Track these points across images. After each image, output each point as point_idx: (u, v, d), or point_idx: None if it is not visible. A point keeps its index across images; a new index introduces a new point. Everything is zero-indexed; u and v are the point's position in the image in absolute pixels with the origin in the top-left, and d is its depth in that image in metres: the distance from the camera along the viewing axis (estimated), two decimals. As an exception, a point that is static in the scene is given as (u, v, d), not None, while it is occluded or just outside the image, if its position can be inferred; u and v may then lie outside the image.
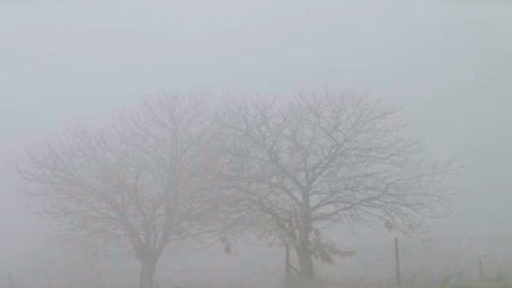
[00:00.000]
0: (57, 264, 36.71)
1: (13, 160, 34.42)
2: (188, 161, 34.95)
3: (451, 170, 31.35)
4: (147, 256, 35.26)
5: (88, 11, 36.54)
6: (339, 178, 33.01)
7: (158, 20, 36.36)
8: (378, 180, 32.36)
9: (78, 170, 35.47)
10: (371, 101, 32.22)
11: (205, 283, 35.28)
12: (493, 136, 34.63)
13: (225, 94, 32.90)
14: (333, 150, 32.87)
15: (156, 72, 35.83)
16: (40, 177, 35.24)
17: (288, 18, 36.67)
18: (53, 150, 35.17)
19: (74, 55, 36.50)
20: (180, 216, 34.95)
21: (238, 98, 32.67)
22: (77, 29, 37.02)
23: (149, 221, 35.20)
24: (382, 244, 32.89)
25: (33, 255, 36.49)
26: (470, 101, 35.45)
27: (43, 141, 34.73)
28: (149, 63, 36.01)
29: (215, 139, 33.98)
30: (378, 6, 37.11)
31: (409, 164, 31.87)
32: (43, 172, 35.25)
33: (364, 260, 33.12)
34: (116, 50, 36.35)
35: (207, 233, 34.79)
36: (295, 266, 33.16)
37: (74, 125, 34.76)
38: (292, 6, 36.17)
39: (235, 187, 33.37)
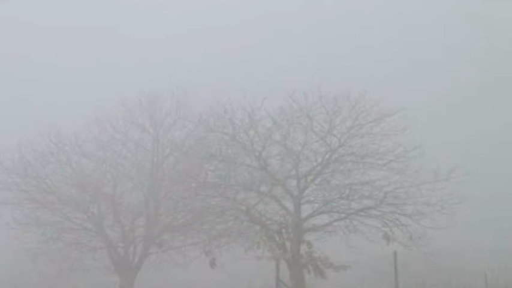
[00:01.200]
0: (29, 279, 36.76)
1: (-20, 167, 33.97)
2: (170, 168, 34.58)
3: (455, 178, 30.67)
4: (125, 270, 34.81)
5: (61, 6, 36.20)
6: (333, 186, 32.32)
7: (136, 15, 36.21)
8: (375, 189, 31.68)
9: (52, 178, 35.11)
10: (368, 103, 31.62)
11: (188, 299, 34.66)
12: (500, 141, 34.55)
13: (210, 95, 32.57)
14: (327, 156, 32.21)
15: (135, 71, 35.88)
16: (10, 185, 34.82)
17: (278, 13, 36.45)
18: (24, 156, 34.79)
19: (46, 53, 36.20)
20: (162, 227, 34.62)
21: (224, 99, 32.08)
22: (49, 26, 36.62)
23: (128, 233, 34.91)
24: (379, 258, 32.71)
25: (3, 270, 36.37)
26: (475, 103, 35.40)
27: (13, 145, 34.40)
28: (127, 62, 36.05)
29: (199, 144, 33.40)
30: (375, 1, 36.95)
31: (409, 171, 31.16)
32: (13, 180, 34.87)
33: (361, 274, 33.03)
34: (91, 48, 36.39)
35: (191, 245, 34.50)
36: (285, 281, 32.54)
37: (47, 128, 34.43)
38: (282, 1, 35.95)
39: (221, 196, 32.67)
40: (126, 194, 34.98)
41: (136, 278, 34.93)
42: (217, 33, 36.26)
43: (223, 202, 32.71)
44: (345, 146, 31.99)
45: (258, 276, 33.65)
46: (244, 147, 32.29)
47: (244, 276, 33.82)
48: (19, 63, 36.51)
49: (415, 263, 32.96)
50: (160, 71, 35.57)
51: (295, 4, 36.66)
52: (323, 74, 33.52)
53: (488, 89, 36.37)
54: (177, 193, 33.87)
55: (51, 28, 36.85)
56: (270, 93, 31.94)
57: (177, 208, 34.10)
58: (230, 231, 33.21)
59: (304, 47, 36.43)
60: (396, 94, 32.93)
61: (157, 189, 34.54)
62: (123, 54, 36.08)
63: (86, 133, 34.71)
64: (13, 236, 34.23)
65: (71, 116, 34.43)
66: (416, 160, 30.83)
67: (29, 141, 34.54)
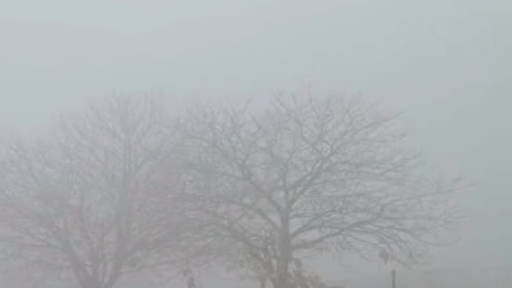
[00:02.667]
0: (-13, 302, 36.36)
1: None
2: (144, 178, 34.49)
3: (459, 189, 30.55)
4: (94, 291, 34.89)
5: (22, 1, 36.22)
6: (324, 198, 32.17)
7: (105, 9, 36.15)
8: (371, 201, 31.53)
9: (12, 188, 35.08)
10: (363, 106, 31.49)
11: (164, 323, 34.93)
12: (509, 148, 34.38)
13: (188, 97, 32.42)
14: (318, 165, 32.04)
15: (105, 71, 35.77)
16: (-34, 196, 34.90)
17: (263, 6, 36.48)
18: (-19, 165, 34.80)
19: (6, 51, 36.17)
20: (134, 243, 34.55)
21: (203, 102, 31.96)
22: (10, 22, 36.63)
23: (97, 250, 34.79)
24: (376, 277, 32.68)
25: (-41, 291, 36.03)
26: (482, 106, 35.58)
27: (-31, 153, 34.37)
28: (96, 61, 35.86)
29: (176, 152, 33.22)
30: (372, -7, 37.26)
31: (409, 181, 31.00)
32: (-31, 191, 34.94)
33: (355, 296, 32.74)
34: (56, 45, 36.33)
35: (167, 264, 34.40)
36: (272, 304, 32.22)
37: (7, 134, 34.28)
38: (268, -7, 36.23)
39: (201, 209, 32.46)
40: (95, 206, 34.88)
41: (106, 300, 34.95)
42: (196, 29, 36.47)
43: (202, 216, 32.48)
44: (337, 154, 31.84)
45: (241, 298, 33.37)
46: (225, 154, 32.10)
47: (226, 297, 33.69)
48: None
49: (415, 283, 33.00)
50: (132, 70, 35.76)
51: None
52: (314, 73, 33.73)
53: (497, 90, 36.76)
54: (151, 206, 33.66)
55: (11, 25, 36.90)
56: (254, 95, 31.84)
57: (152, 222, 33.94)
58: (210, 248, 33.20)
59: (292, 43, 36.75)
60: (395, 96, 33.17)
61: (130, 202, 34.43)
62: (91, 52, 36.40)
63: (50, 139, 34.60)
64: (-30, 253, 34.24)
65: (33, 120, 34.35)
66: (417, 169, 30.74)
67: (-13, 149, 34.51)
